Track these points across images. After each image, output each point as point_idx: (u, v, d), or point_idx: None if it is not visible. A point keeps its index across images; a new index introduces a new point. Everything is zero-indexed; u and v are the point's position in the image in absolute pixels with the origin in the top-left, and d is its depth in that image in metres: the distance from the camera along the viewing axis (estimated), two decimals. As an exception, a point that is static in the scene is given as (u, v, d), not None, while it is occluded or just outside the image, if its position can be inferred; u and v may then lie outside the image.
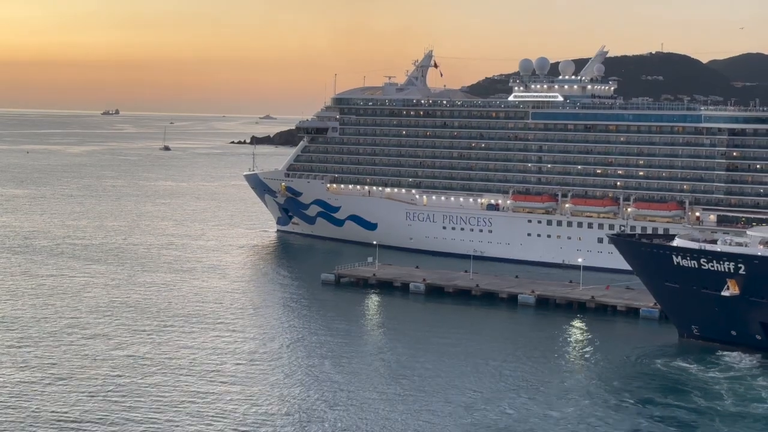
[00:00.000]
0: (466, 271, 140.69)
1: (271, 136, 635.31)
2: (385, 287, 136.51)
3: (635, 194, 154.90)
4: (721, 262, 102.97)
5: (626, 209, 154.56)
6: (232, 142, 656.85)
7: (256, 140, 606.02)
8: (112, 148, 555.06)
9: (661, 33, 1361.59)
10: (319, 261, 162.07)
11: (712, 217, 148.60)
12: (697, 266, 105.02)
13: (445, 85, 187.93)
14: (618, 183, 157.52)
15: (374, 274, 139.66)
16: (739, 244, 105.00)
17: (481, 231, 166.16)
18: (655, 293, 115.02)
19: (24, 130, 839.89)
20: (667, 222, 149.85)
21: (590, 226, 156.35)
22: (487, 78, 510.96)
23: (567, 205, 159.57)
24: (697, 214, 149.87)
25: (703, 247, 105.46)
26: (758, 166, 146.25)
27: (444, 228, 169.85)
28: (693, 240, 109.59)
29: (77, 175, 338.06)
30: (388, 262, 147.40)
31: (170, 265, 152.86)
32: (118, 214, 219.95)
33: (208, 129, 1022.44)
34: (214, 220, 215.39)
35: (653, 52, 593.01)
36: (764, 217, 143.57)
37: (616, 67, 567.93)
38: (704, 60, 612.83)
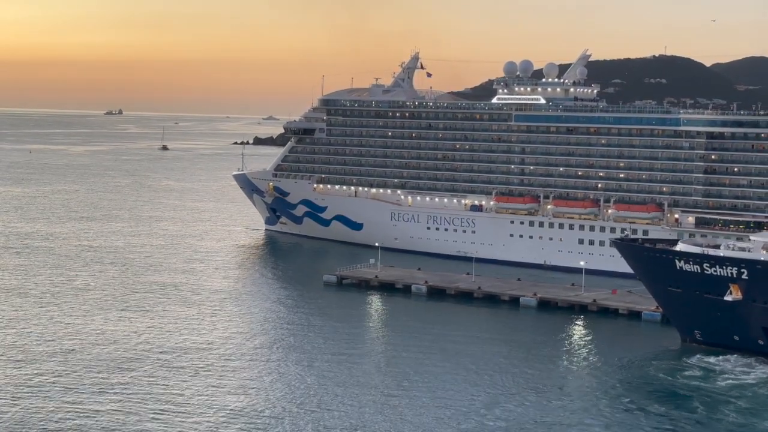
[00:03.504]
0: (467, 274, 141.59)
1: (274, 137, 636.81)
2: (387, 289, 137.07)
3: (615, 196, 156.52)
4: (724, 267, 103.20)
5: (606, 211, 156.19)
6: (235, 143, 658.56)
7: (258, 141, 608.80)
8: (113, 148, 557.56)
9: (665, 36, 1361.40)
10: (318, 262, 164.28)
11: (691, 219, 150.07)
12: (699, 271, 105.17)
13: (431, 87, 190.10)
14: (599, 185, 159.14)
15: (376, 276, 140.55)
16: (742, 249, 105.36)
17: (464, 231, 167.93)
18: (657, 297, 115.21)
19: (27, 130, 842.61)
20: (647, 224, 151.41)
21: (571, 227, 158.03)
22: (490, 80, 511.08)
23: (549, 207, 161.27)
24: (676, 216, 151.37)
25: (706, 252, 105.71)
26: (736, 169, 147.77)
27: (428, 228, 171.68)
28: (696, 245, 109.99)
29: (78, 175, 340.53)
30: (390, 264, 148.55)
31: (164, 266, 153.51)
32: (115, 215, 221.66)
33: (212, 130, 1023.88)
34: (203, 219, 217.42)
35: (656, 55, 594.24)
36: (741, 219, 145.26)
37: (619, 69, 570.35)
38: (707, 63, 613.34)
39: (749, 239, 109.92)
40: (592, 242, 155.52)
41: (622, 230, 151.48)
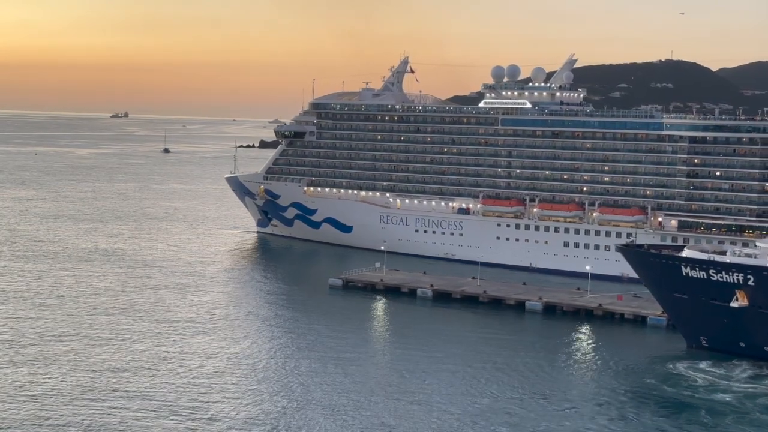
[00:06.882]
0: (473, 278, 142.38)
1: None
2: (392, 293, 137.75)
3: (600, 199, 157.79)
4: (730, 273, 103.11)
5: (591, 214, 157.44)
6: (240, 146, 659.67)
7: (264, 144, 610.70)
8: (117, 151, 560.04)
9: (671, 41, 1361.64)
10: (317, 264, 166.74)
11: (674, 222, 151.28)
12: (706, 277, 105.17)
13: (420, 91, 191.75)
14: (584, 188, 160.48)
15: (382, 280, 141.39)
16: (749, 256, 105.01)
17: (452, 234, 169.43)
18: (663, 304, 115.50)
19: (32, 132, 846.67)
20: (630, 227, 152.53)
21: (557, 230, 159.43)
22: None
23: (534, 210, 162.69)
24: (659, 219, 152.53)
25: (712, 258, 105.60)
26: (718, 173, 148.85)
27: (416, 231, 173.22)
28: (702, 251, 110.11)
29: (81, 178, 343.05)
30: (395, 268, 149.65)
31: (167, 268, 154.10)
32: (116, 217, 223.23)
33: (217, 133, 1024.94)
34: (204, 222, 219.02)
35: (663, 60, 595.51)
36: (723, 222, 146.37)
37: (625, 74, 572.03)
38: (714, 68, 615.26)
39: (755, 245, 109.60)
40: (576, 245, 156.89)
41: (607, 233, 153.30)
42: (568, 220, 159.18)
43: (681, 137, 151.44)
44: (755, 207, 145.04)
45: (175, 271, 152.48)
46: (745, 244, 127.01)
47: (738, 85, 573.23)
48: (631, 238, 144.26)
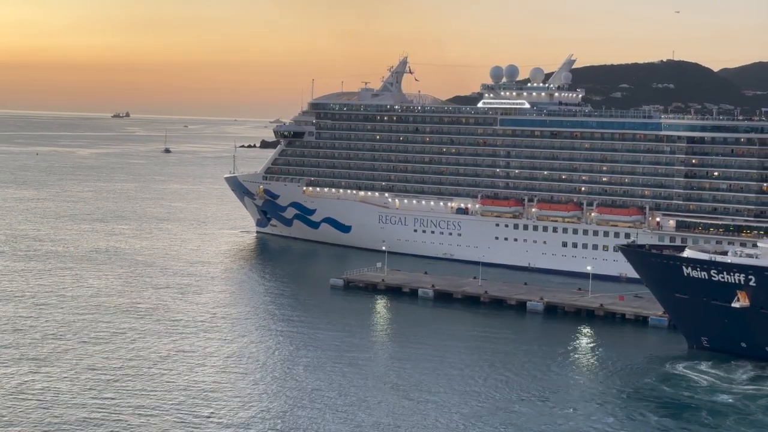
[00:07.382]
0: (474, 278, 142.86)
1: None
2: (393, 293, 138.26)
3: (598, 199, 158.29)
4: (732, 274, 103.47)
5: (589, 214, 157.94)
6: (242, 146, 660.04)
7: (265, 144, 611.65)
8: (118, 151, 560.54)
9: (672, 41, 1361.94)
10: (317, 264, 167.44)
11: (672, 222, 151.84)
12: (707, 277, 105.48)
13: (420, 91, 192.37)
14: (582, 188, 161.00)
15: (383, 280, 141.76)
16: (750, 256, 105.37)
17: (450, 234, 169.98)
18: (665, 304, 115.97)
19: (34, 132, 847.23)
20: (628, 227, 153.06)
21: (555, 230, 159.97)
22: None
23: (533, 210, 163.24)
24: (657, 219, 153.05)
25: (713, 259, 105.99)
26: (715, 173, 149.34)
27: (415, 231, 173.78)
28: (703, 251, 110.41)
29: (82, 178, 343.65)
30: (397, 268, 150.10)
31: (168, 269, 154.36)
32: (116, 217, 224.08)
33: (219, 132, 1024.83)
34: (206, 222, 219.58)
35: (664, 60, 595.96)
36: (721, 222, 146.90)
37: (626, 74, 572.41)
38: (715, 68, 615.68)
39: (756, 246, 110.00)
40: (575, 245, 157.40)
41: (605, 233, 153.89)
42: (566, 220, 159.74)
43: (679, 137, 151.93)
44: (753, 207, 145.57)
45: (175, 270, 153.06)
46: (743, 244, 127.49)
47: (739, 86, 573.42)
48: (632, 239, 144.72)
